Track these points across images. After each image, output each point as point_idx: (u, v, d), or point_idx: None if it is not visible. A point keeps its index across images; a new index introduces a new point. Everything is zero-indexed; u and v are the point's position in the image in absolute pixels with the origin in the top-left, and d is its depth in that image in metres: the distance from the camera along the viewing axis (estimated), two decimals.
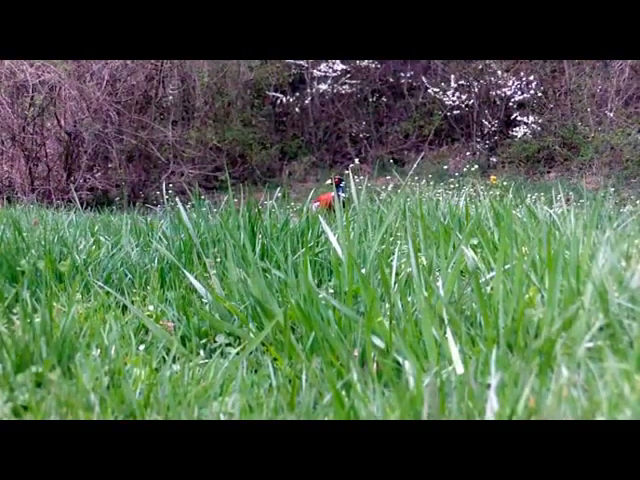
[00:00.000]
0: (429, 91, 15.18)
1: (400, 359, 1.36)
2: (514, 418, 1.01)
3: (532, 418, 1.01)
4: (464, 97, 14.91)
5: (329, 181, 8.90)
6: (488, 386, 1.08)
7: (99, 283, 2.13)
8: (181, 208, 2.59)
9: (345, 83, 15.50)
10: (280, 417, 1.20)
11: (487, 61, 14.40)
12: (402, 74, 15.67)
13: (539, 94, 14.31)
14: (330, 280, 2.09)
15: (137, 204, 9.00)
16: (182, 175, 13.04)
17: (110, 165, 13.24)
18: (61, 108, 12.20)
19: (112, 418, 1.21)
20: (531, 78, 14.32)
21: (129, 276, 2.32)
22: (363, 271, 1.84)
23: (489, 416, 1.01)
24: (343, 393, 1.20)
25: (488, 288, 1.65)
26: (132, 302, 2.04)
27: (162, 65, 13.45)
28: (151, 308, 1.92)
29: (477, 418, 1.04)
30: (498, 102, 14.75)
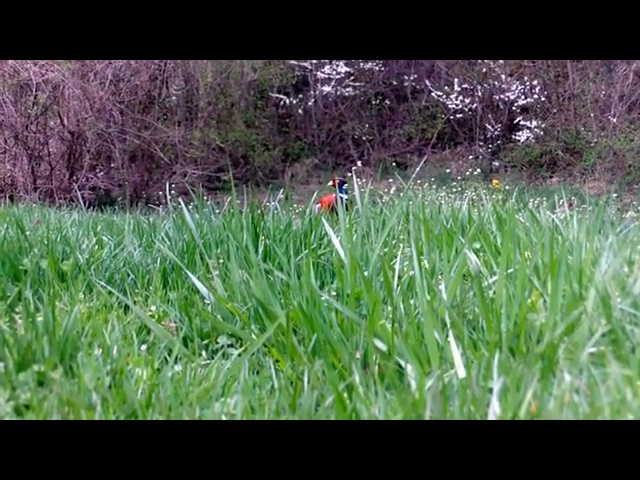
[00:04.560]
0: (432, 94, 15.20)
1: (402, 362, 1.36)
2: None
3: None
4: (467, 101, 14.93)
5: (330, 183, 8.90)
6: (490, 390, 1.08)
7: (101, 283, 2.13)
8: (184, 209, 2.59)
9: (348, 85, 15.52)
10: (282, 418, 1.20)
11: (491, 65, 14.42)
12: (405, 77, 15.70)
13: (542, 99, 14.32)
14: (333, 282, 2.09)
15: (139, 204, 9.00)
16: (185, 175, 13.06)
17: (113, 165, 13.27)
18: (64, 107, 12.21)
19: (114, 418, 1.21)
20: (535, 83, 14.33)
21: (131, 276, 2.32)
22: (366, 274, 1.84)
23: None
24: (345, 395, 1.20)
25: (490, 292, 1.65)
26: (134, 302, 2.04)
27: (165, 65, 13.48)
28: (153, 308, 1.92)
29: None
30: (501, 106, 14.77)
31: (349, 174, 11.07)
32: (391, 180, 11.20)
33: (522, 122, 14.25)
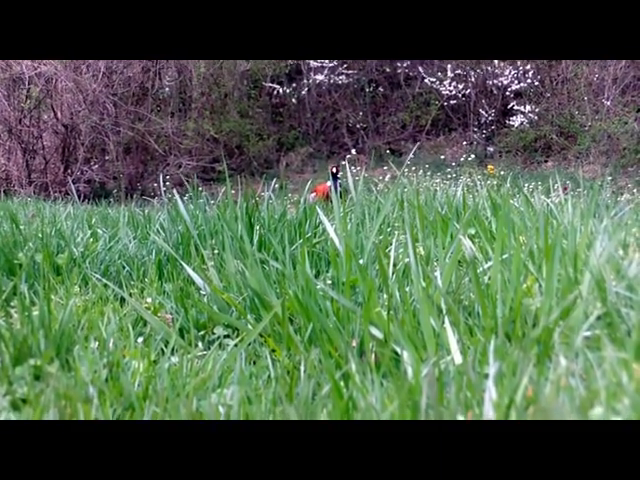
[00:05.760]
0: (426, 81, 15.15)
1: (398, 349, 1.36)
2: (512, 408, 1.01)
3: (530, 407, 1.01)
4: (461, 87, 14.89)
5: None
6: (486, 376, 1.08)
7: (97, 276, 2.13)
8: (178, 200, 2.59)
9: (342, 73, 15.46)
10: (279, 408, 1.20)
11: None
12: (399, 64, 15.63)
13: (536, 83, 14.29)
14: (328, 271, 2.09)
15: (134, 196, 8.98)
16: (179, 167, 13.03)
17: (107, 157, 13.23)
18: (57, 100, 12.17)
19: (111, 410, 1.21)
20: (528, 67, 14.29)
21: (127, 268, 2.32)
22: (361, 262, 1.84)
23: (487, 406, 1.01)
24: (342, 384, 1.20)
25: (486, 278, 1.65)
26: (130, 294, 2.03)
27: None
28: (149, 300, 1.92)
29: (475, 408, 1.04)
30: (495, 91, 14.73)
31: (343, 162, 11.07)
32: (386, 168, 11.20)
33: (516, 107, 14.22)
